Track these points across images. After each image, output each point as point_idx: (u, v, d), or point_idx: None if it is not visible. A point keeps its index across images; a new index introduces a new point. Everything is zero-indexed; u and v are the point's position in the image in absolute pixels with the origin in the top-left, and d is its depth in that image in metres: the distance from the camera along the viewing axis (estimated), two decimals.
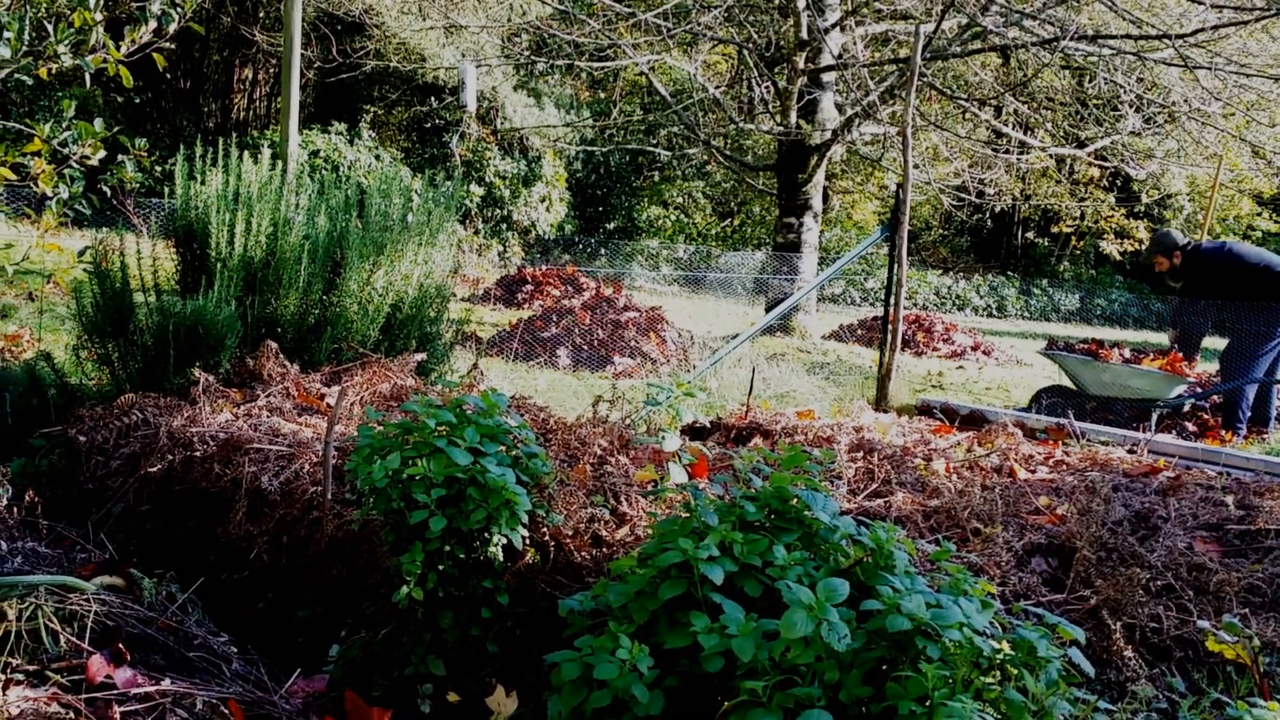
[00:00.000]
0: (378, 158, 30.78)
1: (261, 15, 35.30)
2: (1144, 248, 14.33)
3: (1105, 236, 46.71)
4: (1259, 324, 12.06)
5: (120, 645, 4.04)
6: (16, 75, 5.95)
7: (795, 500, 3.90)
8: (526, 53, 28.87)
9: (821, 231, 27.95)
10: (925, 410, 10.10)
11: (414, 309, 8.41)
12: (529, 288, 22.38)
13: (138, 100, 32.82)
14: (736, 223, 49.07)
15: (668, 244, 41.81)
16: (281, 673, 4.58)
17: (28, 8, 5.76)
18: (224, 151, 7.99)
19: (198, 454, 5.95)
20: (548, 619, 4.39)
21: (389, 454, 4.34)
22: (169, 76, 36.43)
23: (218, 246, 7.66)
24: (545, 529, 4.76)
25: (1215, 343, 14.67)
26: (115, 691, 3.77)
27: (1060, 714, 3.25)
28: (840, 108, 23.31)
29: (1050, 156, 26.42)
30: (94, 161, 6.23)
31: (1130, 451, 7.64)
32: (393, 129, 40.21)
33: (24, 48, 5.76)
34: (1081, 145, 23.93)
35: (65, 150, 6.13)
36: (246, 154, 8.07)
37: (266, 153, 8.27)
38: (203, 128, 36.11)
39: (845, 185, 46.04)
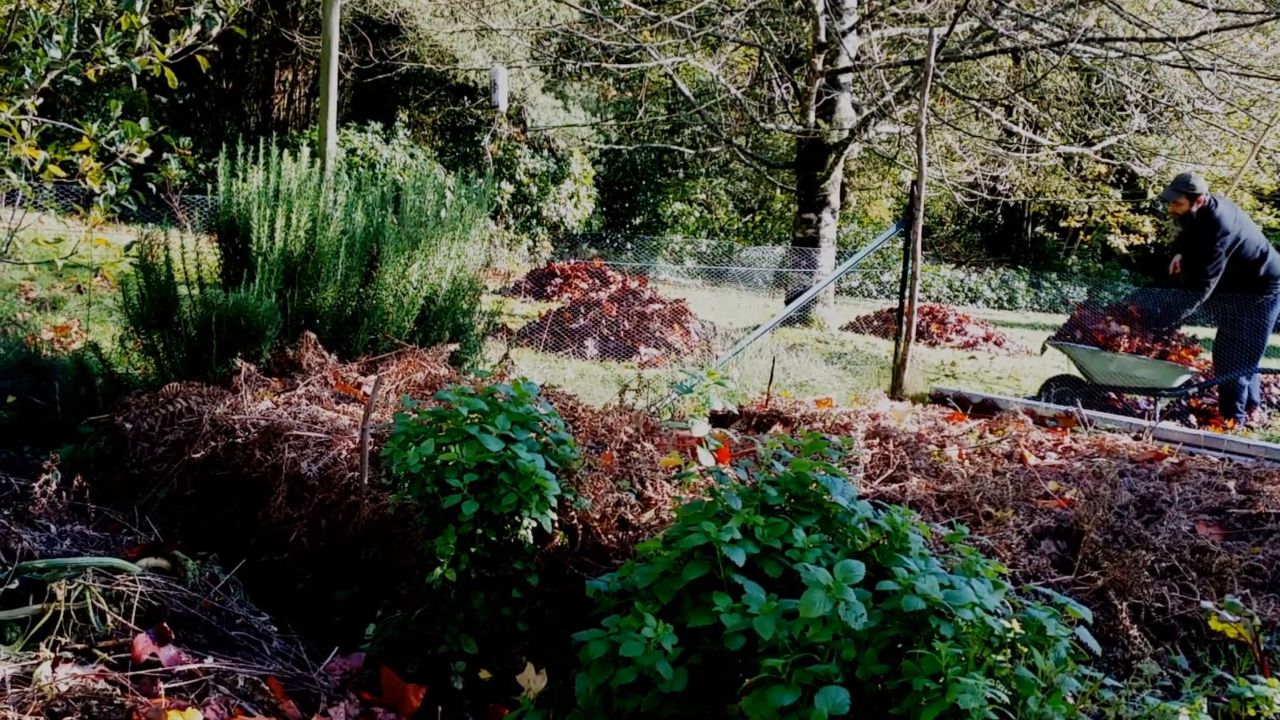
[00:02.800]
0: (412, 156, 30.78)
1: (301, 19, 35.29)
2: (1161, 192, 14.00)
3: (1112, 231, 46.55)
4: (1239, 312, 11.97)
5: (165, 624, 4.06)
6: (66, 76, 5.96)
7: (814, 485, 3.90)
8: (555, 55, 28.83)
9: (839, 227, 27.93)
10: (939, 399, 10.07)
11: (447, 301, 8.41)
12: (558, 281, 22.36)
13: (182, 101, 32.88)
14: (757, 218, 48.99)
15: (691, 239, 41.77)
16: (320, 651, 4.60)
17: (76, 11, 5.77)
18: (265, 150, 8.00)
19: (239, 440, 5.96)
20: (576, 599, 4.39)
21: (423, 440, 4.35)
22: (212, 78, 36.48)
23: (259, 241, 7.67)
24: (573, 513, 4.76)
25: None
26: (160, 669, 3.78)
27: (1068, 690, 3.24)
28: (857, 108, 23.26)
29: (1059, 154, 26.29)
30: (140, 159, 6.24)
31: (1136, 438, 7.61)
32: (427, 128, 40.22)
33: (73, 50, 5.77)
34: (1089, 143, 23.88)
35: (112, 149, 6.14)
36: (286, 152, 8.08)
37: (305, 151, 8.27)
38: (244, 127, 36.12)
39: (862, 182, 45.96)
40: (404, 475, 4.38)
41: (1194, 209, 12.12)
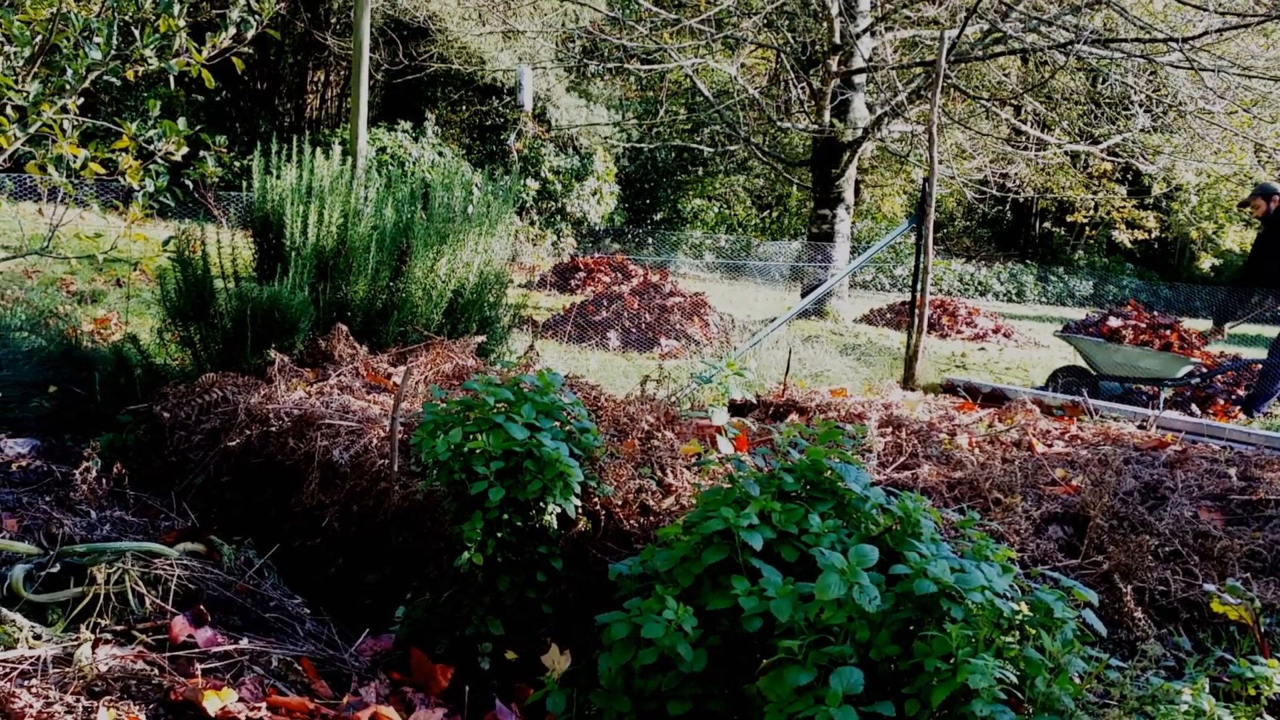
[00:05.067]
0: (440, 154, 30.80)
1: (333, 21, 35.35)
2: (1243, 197, 14.61)
3: (1117, 226, 46.55)
4: None
5: (201, 607, 4.07)
6: (106, 77, 5.97)
7: (829, 472, 3.89)
8: (579, 56, 28.82)
9: (853, 222, 27.87)
10: (950, 389, 10.06)
11: (474, 294, 8.40)
12: (581, 275, 22.36)
13: (218, 100, 32.96)
14: (774, 214, 49.08)
15: (710, 234, 41.81)
16: (351, 632, 4.61)
17: (116, 14, 5.78)
18: (298, 148, 8.00)
19: (273, 429, 5.97)
20: (599, 582, 4.39)
21: (451, 429, 4.35)
22: (247, 78, 36.56)
23: (292, 236, 7.68)
24: (596, 499, 4.76)
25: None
26: (197, 650, 3.79)
27: (1074, 671, 3.24)
28: (870, 107, 23.26)
29: (1066, 152, 26.30)
30: (177, 157, 6.25)
31: (1140, 427, 7.60)
32: (455, 127, 40.23)
33: (112, 51, 5.78)
34: (1095, 142, 23.81)
35: (151, 147, 6.15)
36: (319, 150, 8.08)
37: (337, 149, 8.28)
38: (278, 126, 36.22)
39: (875, 179, 45.94)
40: (432, 463, 4.38)
41: (1272, 208, 12.30)
